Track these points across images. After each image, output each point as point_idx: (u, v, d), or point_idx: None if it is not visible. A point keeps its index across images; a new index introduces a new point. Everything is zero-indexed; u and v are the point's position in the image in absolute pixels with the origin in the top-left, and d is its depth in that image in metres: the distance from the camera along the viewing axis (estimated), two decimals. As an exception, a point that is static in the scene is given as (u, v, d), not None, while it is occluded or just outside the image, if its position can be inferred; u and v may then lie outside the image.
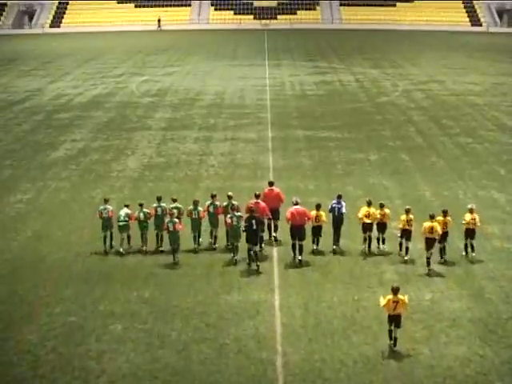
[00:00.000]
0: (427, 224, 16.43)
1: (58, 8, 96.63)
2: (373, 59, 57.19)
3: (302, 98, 39.61)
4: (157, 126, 32.19)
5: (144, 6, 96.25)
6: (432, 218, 16.55)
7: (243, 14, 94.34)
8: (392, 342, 13.11)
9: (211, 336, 13.48)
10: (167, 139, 29.61)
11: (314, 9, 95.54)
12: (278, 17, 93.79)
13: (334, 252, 17.61)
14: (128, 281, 15.93)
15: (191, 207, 17.75)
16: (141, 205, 17.94)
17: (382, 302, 13.21)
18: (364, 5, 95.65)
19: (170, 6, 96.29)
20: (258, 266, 16.57)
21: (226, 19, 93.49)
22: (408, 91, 41.53)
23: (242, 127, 31.70)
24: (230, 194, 18.10)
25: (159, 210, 17.80)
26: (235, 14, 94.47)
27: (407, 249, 17.07)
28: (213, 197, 18.06)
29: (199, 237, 17.86)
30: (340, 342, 13.22)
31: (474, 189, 22.65)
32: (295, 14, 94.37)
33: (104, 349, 13.02)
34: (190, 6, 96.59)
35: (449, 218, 17.02)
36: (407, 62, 55.90)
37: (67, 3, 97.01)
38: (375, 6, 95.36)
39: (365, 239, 17.57)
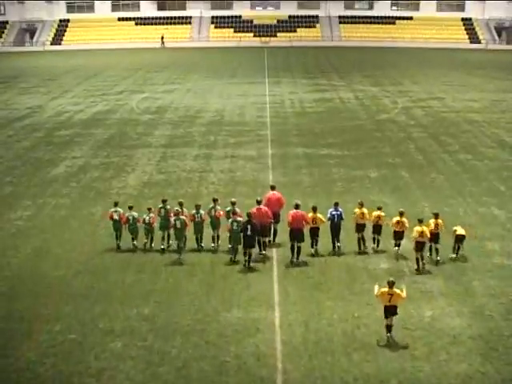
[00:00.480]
0: (417, 228, 17.44)
1: (58, 26, 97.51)
2: (372, 76, 57.57)
3: (302, 115, 39.82)
4: (157, 144, 32.34)
5: (144, 24, 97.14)
6: (421, 222, 17.63)
7: (243, 31, 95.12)
8: (388, 335, 13.88)
9: (211, 354, 13.47)
10: (167, 156, 29.74)
11: (314, 26, 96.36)
12: (278, 34, 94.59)
13: (335, 254, 18.61)
14: (128, 298, 15.94)
15: (194, 211, 18.81)
16: (149, 209, 19.32)
17: (377, 291, 14.16)
18: (363, 22, 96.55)
19: (171, 23, 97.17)
20: (250, 266, 17.65)
21: (226, 37, 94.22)
22: (408, 108, 41.77)
23: (241, 144, 31.85)
24: (233, 200, 19.14)
25: (163, 211, 18.98)
26: (235, 31, 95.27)
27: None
28: (214, 201, 19.26)
29: (201, 239, 18.96)
30: (340, 360, 13.22)
31: (474, 205, 22.73)
32: (295, 31, 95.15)
33: (104, 366, 13.02)
34: (190, 23, 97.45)
35: (440, 220, 18.01)
36: (407, 79, 56.25)
37: (68, 21, 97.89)
38: (375, 23, 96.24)
39: (358, 239, 18.73)
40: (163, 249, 18.90)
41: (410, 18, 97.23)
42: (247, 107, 42.27)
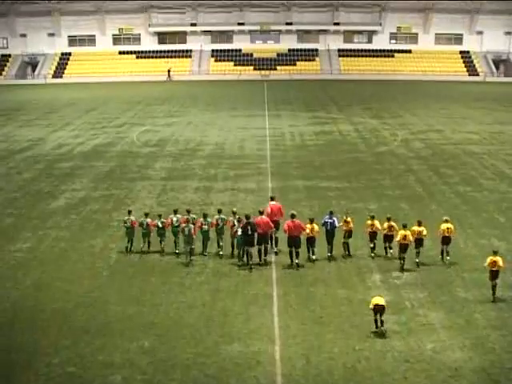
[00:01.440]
0: (401, 232, 19.78)
1: (60, 59, 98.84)
2: (372, 109, 58.16)
3: (302, 148, 40.13)
4: (157, 176, 32.55)
5: (145, 57, 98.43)
6: (405, 226, 19.95)
7: (243, 64, 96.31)
8: (378, 328, 15.74)
9: (211, 387, 13.44)
10: (167, 189, 29.91)
11: (314, 59, 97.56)
12: (278, 67, 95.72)
13: (329, 259, 20.63)
14: (128, 330, 15.94)
15: (202, 219, 21.24)
16: (160, 215, 21.90)
17: (371, 305, 15.92)
18: (362, 55, 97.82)
19: (171, 57, 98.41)
20: (251, 267, 19.84)
21: (226, 70, 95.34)
22: (407, 141, 42.13)
23: (242, 177, 32.06)
24: (234, 209, 21.92)
25: (175, 219, 21.40)
26: (235, 65, 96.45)
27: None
28: (219, 212, 21.77)
29: (207, 245, 21.30)
30: (341, 393, 13.18)
31: (474, 237, 22.82)
32: (295, 64, 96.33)
33: (103, 400, 12.98)
34: (190, 57, 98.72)
35: (422, 227, 20.19)
36: (406, 111, 56.82)
37: (70, 54, 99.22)
38: (373, 56, 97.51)
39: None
40: (176, 253, 21.23)
41: (409, 51, 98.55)
42: (247, 140, 42.61)
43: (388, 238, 20.81)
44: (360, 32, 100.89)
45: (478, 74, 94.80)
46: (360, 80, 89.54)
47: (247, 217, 20.40)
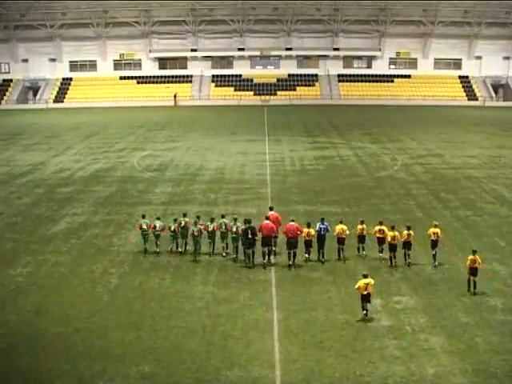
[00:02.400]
0: (390, 233, 22.32)
1: (61, 84, 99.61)
2: (372, 134, 58.50)
3: (302, 172, 40.30)
4: (158, 201, 32.66)
5: (146, 82, 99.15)
6: (393, 228, 22.54)
7: (243, 90, 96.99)
8: (364, 313, 17.92)
9: (211, 413, 13.40)
10: (168, 214, 29.96)
11: (313, 85, 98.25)
12: (278, 93, 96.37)
13: (322, 262, 22.72)
14: (128, 356, 15.93)
15: (208, 223, 23.65)
16: (175, 219, 24.22)
17: (357, 285, 18.14)
18: (362, 80, 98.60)
19: (171, 82, 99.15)
20: (253, 264, 22.27)
21: (227, 95, 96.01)
22: (407, 165, 42.33)
23: (242, 202, 32.17)
24: (235, 217, 24.08)
25: (183, 222, 23.79)
26: (235, 90, 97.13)
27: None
28: (223, 217, 24.08)
29: (214, 244, 23.70)
30: (342, 419, 13.13)
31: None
32: (294, 89, 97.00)
33: (102, 426, 12.93)
34: (191, 82, 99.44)
35: (411, 231, 22.44)
36: (406, 136, 57.14)
37: (71, 79, 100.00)
38: (373, 81, 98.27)
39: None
40: (180, 252, 23.81)
41: (408, 76, 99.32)
42: (247, 165, 42.79)
43: (380, 241, 23.18)
44: (359, 57, 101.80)
45: (477, 99, 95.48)
46: (360, 105, 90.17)
47: (248, 221, 22.75)
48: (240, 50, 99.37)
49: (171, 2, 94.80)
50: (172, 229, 23.77)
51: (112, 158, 46.26)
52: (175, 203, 32.14)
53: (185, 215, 24.39)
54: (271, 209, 24.79)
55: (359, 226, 23.48)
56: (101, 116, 79.91)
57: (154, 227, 23.95)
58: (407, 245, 22.38)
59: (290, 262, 22.28)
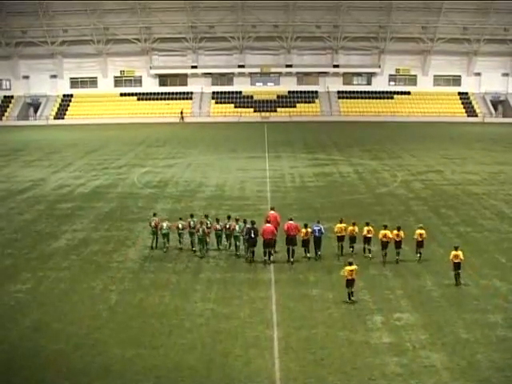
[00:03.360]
0: (382, 231, 24.59)
1: (62, 100, 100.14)
2: (371, 150, 58.70)
3: (302, 189, 40.37)
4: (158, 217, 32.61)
5: (146, 99, 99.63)
6: (385, 227, 24.80)
7: (243, 107, 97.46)
8: (351, 295, 20.30)
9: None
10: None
11: (313, 102, 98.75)
12: (278, 109, 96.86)
13: (316, 259, 25.12)
14: (127, 373, 15.90)
15: (215, 222, 26.27)
16: (180, 218, 27.03)
17: (343, 272, 20.40)
18: (362, 97, 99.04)
19: (172, 98, 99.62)
20: (253, 261, 24.67)
21: (227, 112, 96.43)
22: (407, 182, 42.45)
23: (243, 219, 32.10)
24: (237, 217, 26.35)
25: (192, 222, 25.98)
26: (235, 107, 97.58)
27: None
28: (229, 218, 26.54)
29: (220, 242, 26.41)
30: None
31: (476, 278, 22.87)
32: (294, 106, 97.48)
33: None
34: (191, 99, 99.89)
35: (401, 232, 24.69)
36: (406, 152, 57.34)
37: (71, 96, 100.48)
38: (373, 98, 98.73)
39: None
40: (194, 250, 26.10)
41: (408, 93, 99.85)
42: (247, 182, 42.88)
43: (368, 240, 25.39)
44: (359, 74, 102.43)
45: (476, 115, 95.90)
46: (360, 122, 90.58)
47: (252, 222, 25.08)
48: (240, 66, 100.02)
49: (171, 19, 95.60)
50: (180, 226, 26.38)
51: (112, 175, 46.38)
52: (175, 220, 32.06)
53: (192, 216, 26.70)
54: (272, 209, 27.66)
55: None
56: (101, 132, 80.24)
57: (162, 228, 26.32)
58: (397, 244, 24.67)
59: (291, 259, 24.64)
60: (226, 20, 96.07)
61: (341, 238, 25.66)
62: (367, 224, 25.69)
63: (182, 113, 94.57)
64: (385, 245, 24.55)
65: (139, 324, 18.97)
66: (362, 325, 18.73)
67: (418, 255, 24.87)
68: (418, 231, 24.94)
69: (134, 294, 21.44)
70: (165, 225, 26.36)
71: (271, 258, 24.84)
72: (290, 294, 21.33)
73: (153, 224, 26.62)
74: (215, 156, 56.14)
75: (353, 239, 25.75)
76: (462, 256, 22.01)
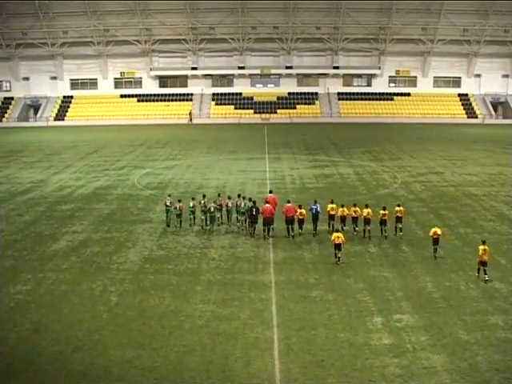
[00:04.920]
0: (381, 211, 28.04)
1: (62, 102, 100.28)
2: (371, 152, 58.71)
3: (303, 190, 40.34)
4: (158, 219, 32.66)
5: (146, 101, 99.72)
6: (384, 209, 28.13)
7: (243, 108, 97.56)
8: (337, 259, 24.29)
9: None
10: (168, 232, 30.02)
11: (313, 103, 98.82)
12: (278, 111, 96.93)
13: (314, 234, 28.61)
14: (127, 374, 15.89)
15: (227, 201, 30.39)
16: (193, 198, 31.07)
17: (332, 237, 24.44)
18: (362, 99, 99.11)
19: (172, 100, 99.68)
20: (254, 234, 28.46)
21: (227, 113, 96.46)
22: (407, 183, 42.44)
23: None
24: (239, 194, 31.10)
25: (203, 201, 29.85)
26: (236, 108, 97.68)
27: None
28: (239, 196, 30.50)
29: (230, 218, 30.39)
30: None
31: (476, 279, 22.82)
32: (295, 108, 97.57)
33: None
34: (191, 100, 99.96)
35: (401, 208, 28.62)
36: (405, 154, 57.34)
37: (71, 97, 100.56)
38: (373, 99, 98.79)
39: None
40: (202, 227, 29.97)
41: (408, 94, 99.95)
42: (248, 183, 42.84)
43: (367, 221, 28.38)
44: (359, 75, 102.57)
45: (476, 117, 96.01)
46: (359, 123, 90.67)
47: (254, 202, 28.96)
48: (240, 68, 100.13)
49: (172, 21, 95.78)
50: (191, 205, 30.10)
51: (112, 176, 46.39)
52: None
53: (204, 196, 30.78)
54: (271, 192, 31.59)
55: (343, 209, 29.11)
56: (101, 134, 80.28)
57: (175, 208, 29.92)
58: (398, 219, 28.46)
59: (291, 234, 28.26)
60: (226, 21, 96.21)
61: (331, 217, 29.06)
62: (366, 206, 28.59)
63: (190, 114, 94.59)
64: (384, 222, 28.26)
65: (139, 325, 18.95)
66: (362, 326, 18.72)
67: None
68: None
69: (134, 296, 21.43)
70: (177, 206, 30.04)
71: (270, 233, 28.35)
72: (290, 295, 21.31)
73: (168, 203, 30.46)
74: (215, 157, 56.14)
75: (343, 219, 29.12)
76: (439, 232, 25.49)
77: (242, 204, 29.42)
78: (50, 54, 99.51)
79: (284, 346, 17.50)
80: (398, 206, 28.85)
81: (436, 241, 25.54)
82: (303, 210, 28.59)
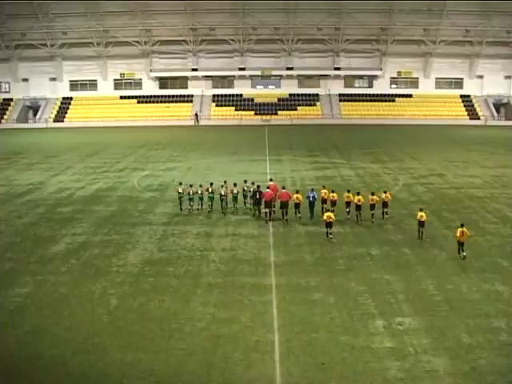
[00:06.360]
0: (370, 196, 31.47)
1: (61, 103, 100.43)
2: (373, 154, 58.73)
3: (304, 193, 40.23)
4: (158, 221, 32.72)
5: (146, 102, 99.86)
6: (373, 194, 31.78)
7: (244, 109, 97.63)
8: (329, 237, 28.17)
9: None
10: (168, 234, 30.05)
11: (314, 104, 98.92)
12: (279, 112, 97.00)
13: (310, 218, 32.35)
14: (127, 378, 15.91)
15: (233, 187, 34.43)
16: (201, 185, 35.00)
17: (324, 216, 28.38)
18: (363, 100, 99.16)
19: (172, 101, 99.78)
20: (258, 216, 32.84)
21: (227, 115, 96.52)
22: (409, 185, 42.46)
23: (243, 222, 32.22)
24: (245, 180, 36.18)
25: (210, 188, 34.01)
26: (236, 109, 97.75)
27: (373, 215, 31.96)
28: (245, 181, 35.31)
29: (236, 201, 34.69)
30: None
31: (478, 282, 22.84)
32: (295, 109, 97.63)
33: None
34: (191, 101, 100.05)
35: (388, 194, 32.43)
36: (407, 156, 57.37)
37: (71, 99, 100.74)
38: (374, 101, 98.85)
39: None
40: (209, 211, 34.08)
41: (410, 96, 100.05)
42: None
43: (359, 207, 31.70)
44: (361, 77, 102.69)
45: (479, 118, 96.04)
46: (361, 124, 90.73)
47: (258, 186, 33.24)
48: (241, 69, 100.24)
49: (172, 22, 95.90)
50: (199, 192, 34.13)
51: (112, 178, 46.44)
52: (176, 223, 32.19)
53: (211, 184, 34.41)
54: (271, 180, 35.90)
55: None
56: (101, 136, 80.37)
57: (189, 193, 34.09)
58: (384, 204, 32.23)
59: (285, 218, 31.90)
60: (227, 22, 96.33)
61: (324, 201, 33.07)
62: (358, 194, 32.02)
63: (196, 115, 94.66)
64: (372, 207, 31.63)
65: (139, 328, 18.96)
66: (363, 329, 18.72)
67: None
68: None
69: (134, 299, 21.44)
70: (191, 191, 34.14)
71: (271, 217, 32.14)
72: (291, 298, 21.32)
73: (180, 190, 34.51)
74: (216, 159, 56.18)
75: (333, 203, 32.51)
76: (425, 217, 28.35)
77: (252, 188, 33.91)
78: (50, 55, 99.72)
79: (285, 349, 17.51)
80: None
81: (422, 224, 28.38)
82: (299, 195, 32.30)
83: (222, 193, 33.67)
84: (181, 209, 34.57)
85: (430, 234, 29.56)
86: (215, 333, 18.57)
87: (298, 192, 32.87)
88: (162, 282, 23.07)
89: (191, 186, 35.00)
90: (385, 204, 32.30)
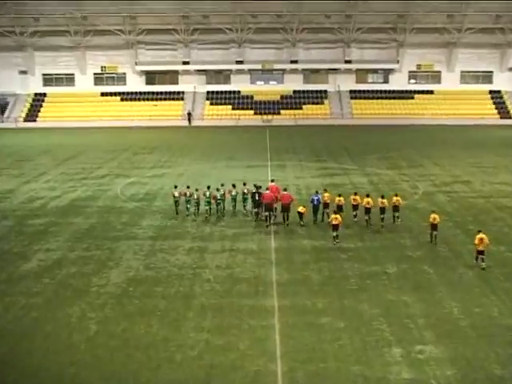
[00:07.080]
0: (379, 200, 33.74)
1: (33, 100, 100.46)
2: (388, 158, 58.88)
3: (309, 202, 40.26)
4: (144, 235, 32.78)
5: (131, 100, 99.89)
6: (383, 197, 34.01)
7: (242, 108, 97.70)
8: (335, 241, 30.26)
9: None
10: (156, 250, 30.09)
11: (322, 102, 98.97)
12: (282, 112, 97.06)
13: (314, 221, 34.46)
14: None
15: (231, 189, 36.82)
16: (197, 189, 36.47)
17: (330, 218, 31.38)
18: (378, 97, 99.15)
19: (160, 99, 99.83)
20: (258, 219, 35.06)
21: (223, 115, 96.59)
22: (430, 194, 42.56)
23: (241, 236, 32.28)
24: (244, 183, 38.30)
25: (208, 193, 36.00)
26: (233, 108, 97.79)
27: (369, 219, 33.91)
28: (244, 184, 37.56)
29: (235, 206, 37.08)
30: None
31: (509, 304, 22.85)
32: (300, 108, 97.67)
33: None
34: (182, 99, 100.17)
35: (398, 197, 34.56)
36: (428, 160, 57.50)
37: (45, 95, 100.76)
38: (390, 98, 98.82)
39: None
40: (206, 216, 35.85)
41: (431, 92, 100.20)
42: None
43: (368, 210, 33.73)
44: (375, 71, 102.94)
45: (510, 117, 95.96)
46: (375, 125, 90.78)
47: (258, 187, 35.34)
48: (238, 62, 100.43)
49: (160, 8, 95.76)
50: (195, 197, 35.93)
51: (92, 186, 46.52)
52: (164, 238, 32.23)
53: (209, 187, 36.39)
54: (272, 181, 38.06)
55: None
56: (79, 137, 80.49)
57: (185, 194, 36.27)
58: (395, 208, 34.26)
59: (286, 222, 33.84)
60: (223, 9, 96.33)
61: (326, 205, 34.69)
62: (367, 195, 34.47)
63: (189, 114, 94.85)
64: (383, 211, 33.59)
65: (122, 357, 18.97)
66: (378, 358, 18.73)
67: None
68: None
69: (117, 323, 21.46)
70: (188, 193, 36.28)
71: (271, 220, 33.92)
72: (295, 322, 21.34)
73: (176, 194, 36.70)
74: (210, 165, 56.28)
75: (340, 208, 33.89)
76: (438, 219, 30.51)
77: (245, 191, 36.62)
78: (19, 45, 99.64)
79: (288, 380, 17.53)
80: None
81: (434, 227, 30.35)
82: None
83: (219, 196, 35.87)
84: (177, 212, 36.66)
85: (454, 250, 29.63)
86: (209, 362, 18.59)
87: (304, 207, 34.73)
88: (148, 304, 23.08)
89: (188, 187, 37.09)
90: (395, 208, 34.19)
